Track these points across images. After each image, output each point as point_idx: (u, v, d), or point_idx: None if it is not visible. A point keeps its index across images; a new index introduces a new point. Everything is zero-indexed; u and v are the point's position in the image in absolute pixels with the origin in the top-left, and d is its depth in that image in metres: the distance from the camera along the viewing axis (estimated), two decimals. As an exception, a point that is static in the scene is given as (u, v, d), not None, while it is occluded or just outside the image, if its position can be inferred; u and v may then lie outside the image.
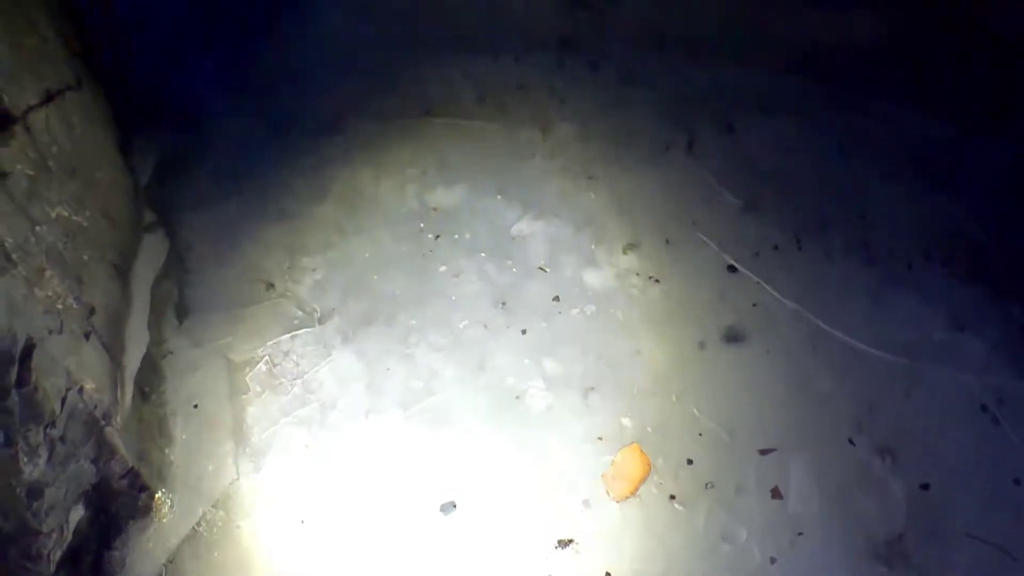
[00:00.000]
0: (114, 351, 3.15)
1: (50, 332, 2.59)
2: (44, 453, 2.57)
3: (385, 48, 4.75)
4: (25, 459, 2.48)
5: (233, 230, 3.93)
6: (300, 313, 3.61)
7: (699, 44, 4.62)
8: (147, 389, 3.29)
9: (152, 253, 3.68)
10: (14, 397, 2.37)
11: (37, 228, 2.77)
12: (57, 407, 2.58)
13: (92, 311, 3.06)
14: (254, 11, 5.03)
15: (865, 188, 4.00)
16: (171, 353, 3.41)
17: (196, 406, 3.28)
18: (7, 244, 2.43)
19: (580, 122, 4.35)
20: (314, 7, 4.94)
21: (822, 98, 4.39)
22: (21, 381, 2.40)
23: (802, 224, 3.84)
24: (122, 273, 3.51)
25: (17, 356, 2.37)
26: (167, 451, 3.20)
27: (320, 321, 3.58)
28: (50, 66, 3.39)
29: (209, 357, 3.41)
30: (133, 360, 3.22)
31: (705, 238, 3.80)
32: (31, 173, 2.90)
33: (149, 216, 3.89)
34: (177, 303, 3.64)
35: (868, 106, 4.36)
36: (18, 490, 2.51)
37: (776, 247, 3.74)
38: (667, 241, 3.78)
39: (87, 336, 2.89)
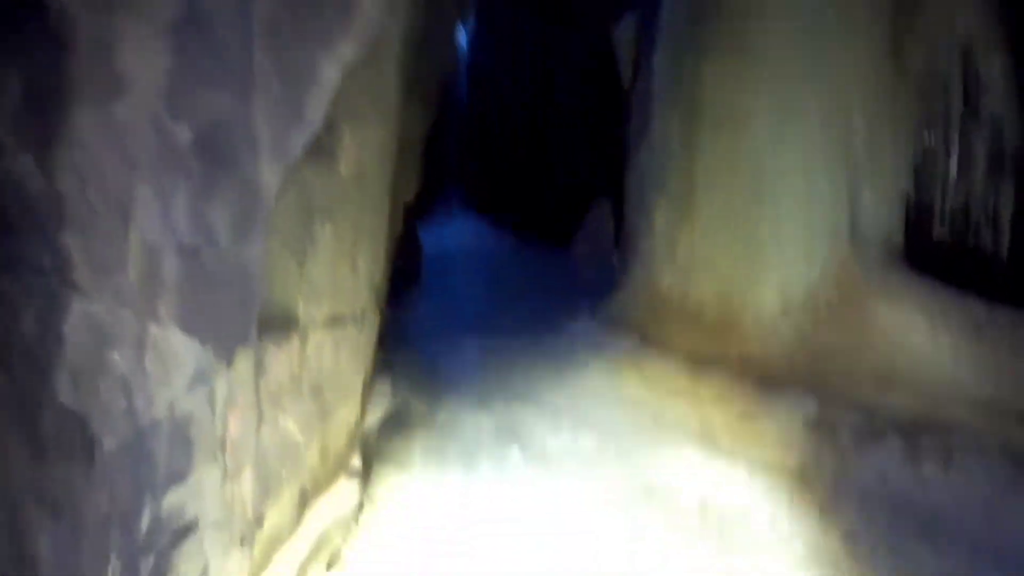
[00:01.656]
0: (255, 565, 3.05)
1: (215, 524, 2.56)
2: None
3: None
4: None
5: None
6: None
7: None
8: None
9: (340, 497, 3.67)
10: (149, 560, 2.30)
11: (263, 429, 2.88)
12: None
13: (260, 521, 3.03)
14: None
15: None
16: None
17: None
18: (230, 433, 2.52)
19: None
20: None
21: None
22: (161, 559, 2.33)
23: None
24: (304, 502, 3.51)
25: (175, 530, 2.33)
26: None
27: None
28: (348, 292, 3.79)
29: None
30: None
31: None
32: (284, 381, 3.10)
33: (355, 464, 3.96)
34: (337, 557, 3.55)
35: None
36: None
37: None
38: None
39: (243, 541, 2.83)
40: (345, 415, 3.98)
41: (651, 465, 4.75)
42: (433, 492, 4.22)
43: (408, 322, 6.72)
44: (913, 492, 4.39)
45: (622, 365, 5.94)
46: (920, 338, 4.81)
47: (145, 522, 2.16)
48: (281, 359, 3.02)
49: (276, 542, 3.26)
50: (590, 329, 6.67)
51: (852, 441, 4.79)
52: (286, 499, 3.27)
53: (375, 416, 4.70)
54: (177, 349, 2.18)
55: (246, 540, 2.83)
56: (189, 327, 2.19)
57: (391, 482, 4.29)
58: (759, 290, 5.57)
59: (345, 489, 3.77)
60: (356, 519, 3.91)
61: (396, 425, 4.98)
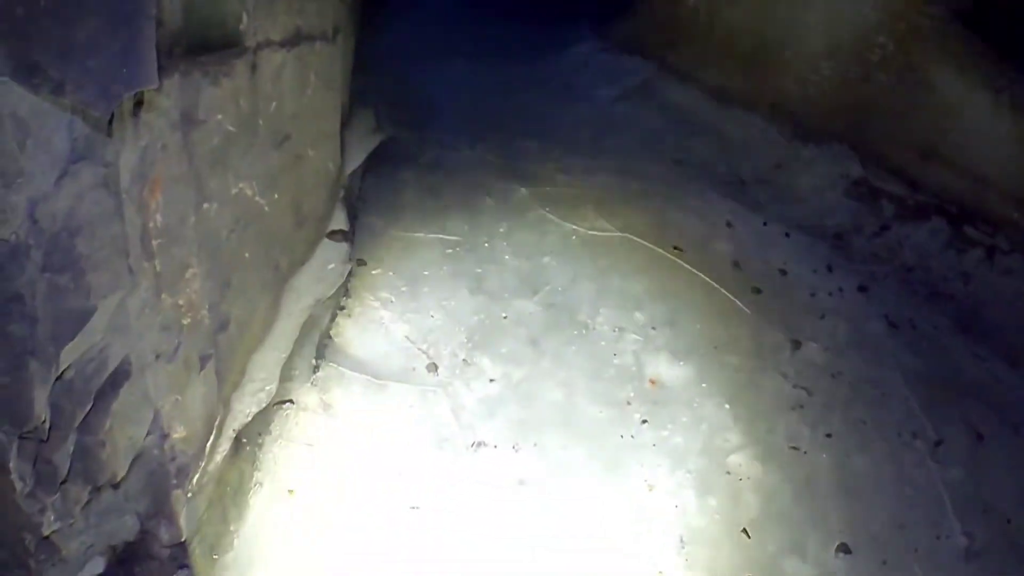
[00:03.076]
0: (227, 384, 2.34)
1: (158, 357, 1.78)
2: (80, 514, 1.75)
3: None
4: (52, 517, 1.66)
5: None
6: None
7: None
8: (245, 440, 2.46)
9: (324, 267, 2.89)
10: (68, 446, 1.55)
11: (205, 206, 1.99)
12: (123, 468, 1.76)
13: (224, 326, 2.26)
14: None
15: None
16: (292, 407, 2.57)
17: (291, 492, 2.42)
18: (155, 225, 1.63)
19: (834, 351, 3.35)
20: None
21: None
22: (88, 428, 1.58)
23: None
24: (279, 283, 2.73)
25: (95, 392, 1.55)
26: (232, 531, 2.33)
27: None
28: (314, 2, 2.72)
29: (338, 432, 2.56)
30: (246, 402, 2.40)
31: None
32: (231, 129, 2.14)
33: (338, 221, 3.12)
34: (328, 345, 2.83)
35: None
36: (28, 542, 1.70)
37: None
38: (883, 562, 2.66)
39: (204, 363, 2.07)
40: (320, 161, 3.08)
41: (674, 210, 4.00)
42: (431, 254, 3.43)
43: (386, 47, 5.50)
44: (954, 283, 3.89)
45: (638, 95, 4.94)
46: (978, 113, 3.94)
47: (40, 397, 1.36)
48: (221, 98, 2.04)
49: (252, 340, 2.52)
50: (598, 53, 5.55)
51: (895, 214, 4.13)
52: (255, 286, 2.47)
53: (357, 157, 3.77)
54: (24, 118, 1.21)
55: (209, 359, 2.07)
56: (36, 75, 1.20)
57: (380, 241, 3.47)
58: (802, 23, 4.60)
59: (330, 255, 2.98)
60: (346, 290, 3.17)
61: (382, 165, 4.07)
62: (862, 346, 3.46)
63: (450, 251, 3.46)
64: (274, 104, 2.48)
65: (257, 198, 2.44)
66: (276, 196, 2.57)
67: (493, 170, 4.18)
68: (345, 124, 3.96)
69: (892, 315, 3.71)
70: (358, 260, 3.36)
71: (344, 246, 3.00)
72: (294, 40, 2.60)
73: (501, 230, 3.62)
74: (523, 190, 3.97)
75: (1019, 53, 3.86)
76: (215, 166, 2.09)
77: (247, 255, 2.40)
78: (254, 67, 2.29)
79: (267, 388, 2.44)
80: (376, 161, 4.10)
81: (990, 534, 2.81)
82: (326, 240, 3.00)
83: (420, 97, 5.14)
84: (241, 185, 2.29)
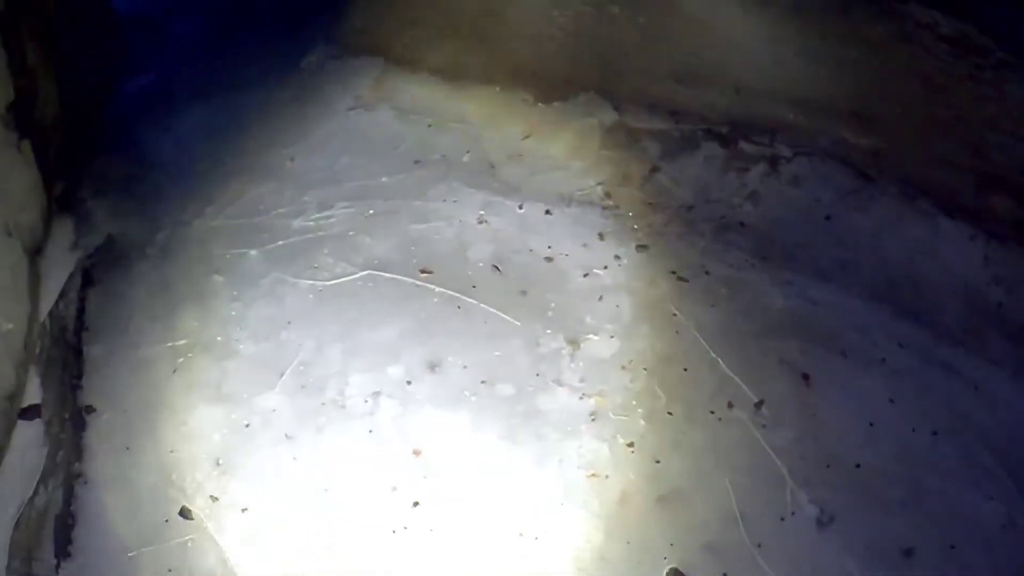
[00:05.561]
0: None
1: None
2: None
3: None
4: None
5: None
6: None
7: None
8: None
9: (22, 460, 2.61)
10: None
11: None
12: None
13: None
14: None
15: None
16: None
17: None
18: None
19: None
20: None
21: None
22: None
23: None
24: None
25: None
26: None
27: None
28: None
29: None
30: None
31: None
32: None
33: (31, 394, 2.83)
34: (72, 528, 2.58)
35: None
36: None
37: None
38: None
39: None
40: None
41: (419, 223, 3.82)
42: (163, 371, 3.18)
43: (100, 118, 4.99)
44: (743, 208, 3.73)
45: (371, 98, 4.68)
46: (731, 21, 3.83)
47: None
48: None
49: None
50: (329, 61, 5.19)
51: (662, 152, 4.00)
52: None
53: (57, 285, 3.42)
54: None
55: None
56: None
57: (108, 374, 3.18)
58: None
59: (27, 441, 2.70)
60: (79, 451, 2.90)
61: (109, 271, 3.72)
62: (651, 318, 3.30)
63: (181, 359, 3.20)
64: None
65: None
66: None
67: (223, 237, 3.88)
68: (41, 249, 3.60)
69: (679, 268, 3.51)
70: (87, 407, 3.09)
71: (37, 425, 2.71)
72: None
73: (233, 313, 3.38)
74: (253, 252, 3.71)
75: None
76: None
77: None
78: None
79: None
80: (99, 271, 3.75)
81: (841, 491, 2.70)
82: (20, 423, 2.71)
83: (145, 172, 4.71)
84: None
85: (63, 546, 2.64)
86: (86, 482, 2.80)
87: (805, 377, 3.05)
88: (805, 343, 3.17)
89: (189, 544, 2.59)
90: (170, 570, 2.54)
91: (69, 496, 2.77)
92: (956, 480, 2.80)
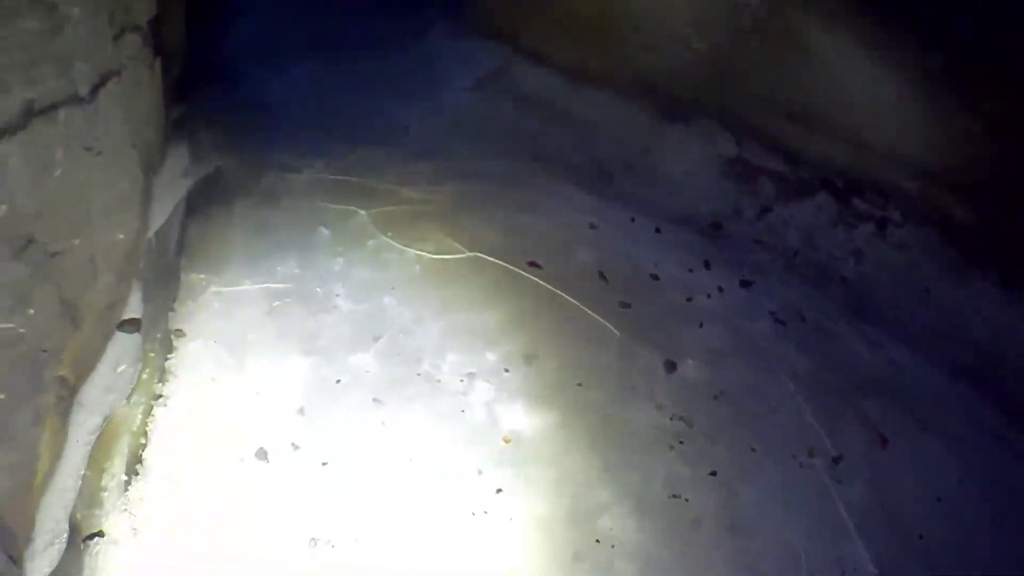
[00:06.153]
0: (18, 542, 2.02)
1: None
2: None
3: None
4: None
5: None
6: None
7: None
8: None
9: (113, 371, 2.54)
10: None
11: None
12: None
13: None
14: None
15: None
16: (101, 541, 2.27)
17: None
18: None
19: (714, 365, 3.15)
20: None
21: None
22: None
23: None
24: (63, 403, 2.38)
25: None
26: None
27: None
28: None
29: (154, 563, 2.28)
30: (38, 562, 2.09)
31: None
32: None
33: (132, 307, 2.77)
34: (142, 449, 2.52)
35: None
36: None
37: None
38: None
39: None
40: (96, 244, 2.69)
41: (530, 215, 3.74)
42: (257, 311, 3.10)
43: (217, 57, 5.00)
44: (845, 262, 3.75)
45: (491, 84, 4.61)
46: (859, 75, 3.74)
47: None
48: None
49: (36, 485, 2.20)
50: (450, 40, 5.16)
51: (776, 193, 3.92)
52: (20, 425, 2.14)
53: (167, 208, 3.38)
54: None
55: None
56: None
57: (202, 302, 3.13)
58: None
59: (120, 353, 2.63)
60: (163, 372, 2.84)
61: (210, 205, 3.68)
62: (747, 353, 3.30)
63: (279, 303, 3.14)
64: (3, 208, 2.10)
65: (2, 325, 2.09)
66: (32, 312, 2.21)
67: (331, 192, 3.84)
68: (156, 169, 3.57)
69: (779, 310, 3.54)
70: (176, 331, 3.03)
71: (136, 339, 2.65)
72: (22, 121, 2.21)
73: (336, 268, 3.31)
74: (362, 213, 3.65)
75: (897, 9, 3.64)
76: None
77: (3, 397, 2.05)
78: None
79: (56, 542, 2.13)
80: (203, 200, 3.72)
81: (901, 555, 2.67)
82: (118, 333, 2.64)
83: (256, 112, 4.70)
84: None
85: (132, 464, 2.56)
86: (165, 405, 2.72)
87: (883, 439, 3.08)
88: (886, 406, 3.18)
89: (263, 487, 2.50)
90: (239, 511, 2.44)
91: (147, 416, 2.69)
92: (1013, 569, 2.75)
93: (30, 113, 2.25)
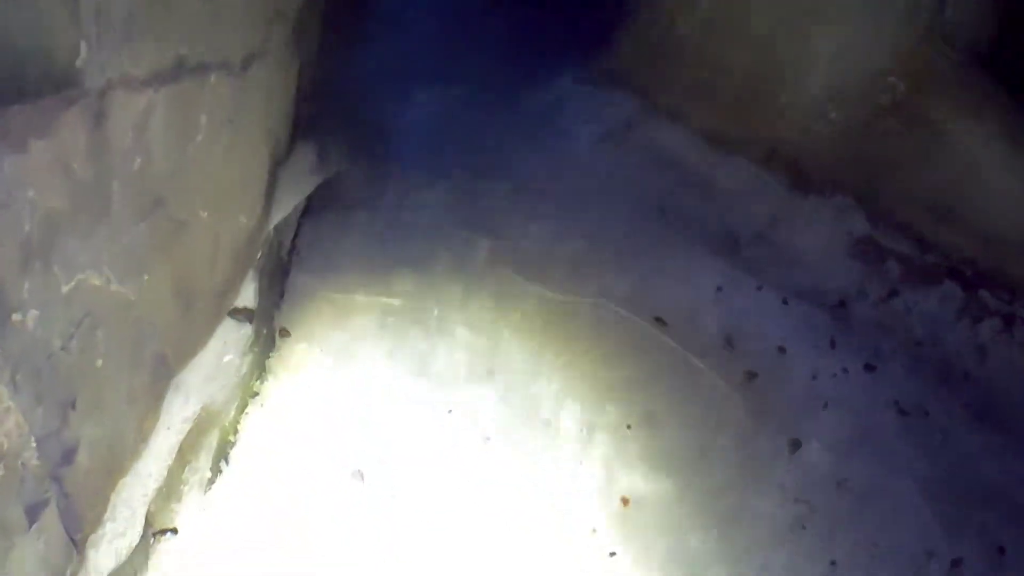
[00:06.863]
0: (85, 524, 1.79)
1: None
2: None
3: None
4: None
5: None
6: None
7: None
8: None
9: (219, 359, 2.33)
10: None
11: (15, 316, 1.44)
12: None
13: (70, 456, 1.73)
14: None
15: None
16: (173, 539, 2.02)
17: None
18: None
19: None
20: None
21: None
22: None
23: None
24: (160, 382, 2.17)
25: None
26: None
27: None
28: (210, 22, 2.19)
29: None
30: (103, 551, 1.85)
31: None
32: (58, 206, 1.60)
33: (245, 295, 2.57)
34: (231, 446, 2.29)
35: None
36: None
37: None
38: None
39: (35, 514, 1.54)
40: (221, 222, 2.52)
41: (658, 271, 3.47)
42: (368, 323, 2.88)
43: (351, 69, 4.94)
44: (969, 358, 3.45)
45: (621, 136, 4.40)
46: (996, 166, 3.52)
47: None
48: (33, 167, 1.50)
49: (119, 462, 1.98)
50: (580, 87, 4.98)
51: (903, 277, 3.67)
52: (117, 397, 1.93)
53: (289, 203, 3.21)
54: None
55: (44, 505, 1.55)
56: None
57: (311, 305, 2.92)
58: (806, 60, 4.04)
59: (228, 342, 2.42)
60: (263, 370, 2.62)
61: (326, 209, 3.52)
62: (870, 443, 3.03)
63: (392, 319, 2.90)
64: (138, 161, 1.93)
65: (115, 286, 1.89)
66: (147, 278, 2.02)
67: (452, 216, 3.63)
68: (281, 162, 3.43)
69: (902, 401, 3.26)
70: (282, 330, 2.82)
71: (246, 329, 2.43)
72: (172, 74, 2.05)
73: (455, 294, 3.07)
74: (485, 242, 3.43)
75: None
76: (30, 260, 1.54)
77: (100, 363, 1.84)
78: (100, 116, 1.74)
79: (128, 534, 1.88)
80: (320, 203, 3.57)
81: None
82: (228, 320, 2.44)
83: (380, 127, 4.58)
84: (83, 275, 1.74)
85: (218, 461, 2.33)
86: (262, 405, 2.49)
87: (1001, 551, 2.91)
88: (1007, 517, 2.99)
89: (354, 512, 2.22)
90: (329, 536, 2.17)
91: (240, 413, 2.47)
92: None
93: (181, 67, 2.09)
